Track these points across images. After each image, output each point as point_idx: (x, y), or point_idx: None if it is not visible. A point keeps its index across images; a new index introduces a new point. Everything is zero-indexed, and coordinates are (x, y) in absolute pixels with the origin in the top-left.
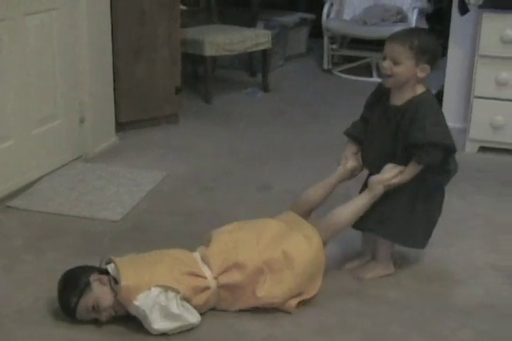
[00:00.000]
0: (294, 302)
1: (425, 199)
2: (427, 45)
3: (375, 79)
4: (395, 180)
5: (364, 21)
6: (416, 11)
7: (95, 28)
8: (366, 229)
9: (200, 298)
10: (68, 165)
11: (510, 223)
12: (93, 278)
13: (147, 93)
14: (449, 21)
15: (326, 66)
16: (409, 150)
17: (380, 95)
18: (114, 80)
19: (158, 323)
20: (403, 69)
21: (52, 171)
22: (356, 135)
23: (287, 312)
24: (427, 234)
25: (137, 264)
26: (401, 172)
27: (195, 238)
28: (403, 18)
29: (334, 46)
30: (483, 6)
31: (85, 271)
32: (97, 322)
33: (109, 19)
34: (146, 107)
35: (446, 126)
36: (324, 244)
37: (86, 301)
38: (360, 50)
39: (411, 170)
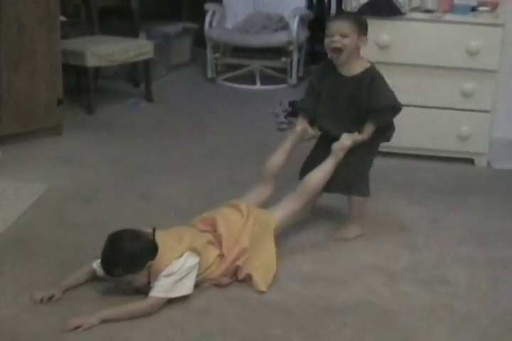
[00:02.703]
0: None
1: (371, 155)
2: (363, 21)
3: (258, 86)
4: (356, 141)
5: (246, 29)
6: (297, 19)
7: None
8: (338, 191)
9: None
10: None
11: (392, 224)
12: (149, 263)
13: (28, 105)
14: None
15: (209, 75)
16: (368, 114)
17: (327, 70)
18: None
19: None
20: (350, 41)
21: None
22: (307, 108)
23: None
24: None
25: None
26: (355, 137)
27: (80, 249)
28: (285, 26)
29: (217, 55)
30: (359, 13)
31: (148, 252)
32: None
33: None
34: (27, 119)
35: (393, 91)
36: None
37: (132, 277)
38: (243, 58)
39: (368, 130)
